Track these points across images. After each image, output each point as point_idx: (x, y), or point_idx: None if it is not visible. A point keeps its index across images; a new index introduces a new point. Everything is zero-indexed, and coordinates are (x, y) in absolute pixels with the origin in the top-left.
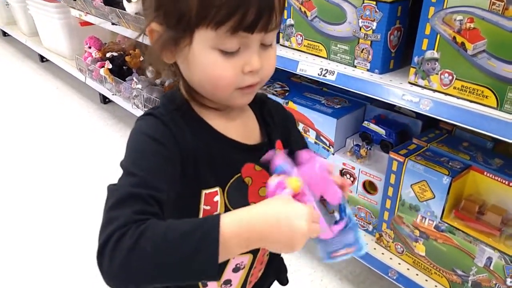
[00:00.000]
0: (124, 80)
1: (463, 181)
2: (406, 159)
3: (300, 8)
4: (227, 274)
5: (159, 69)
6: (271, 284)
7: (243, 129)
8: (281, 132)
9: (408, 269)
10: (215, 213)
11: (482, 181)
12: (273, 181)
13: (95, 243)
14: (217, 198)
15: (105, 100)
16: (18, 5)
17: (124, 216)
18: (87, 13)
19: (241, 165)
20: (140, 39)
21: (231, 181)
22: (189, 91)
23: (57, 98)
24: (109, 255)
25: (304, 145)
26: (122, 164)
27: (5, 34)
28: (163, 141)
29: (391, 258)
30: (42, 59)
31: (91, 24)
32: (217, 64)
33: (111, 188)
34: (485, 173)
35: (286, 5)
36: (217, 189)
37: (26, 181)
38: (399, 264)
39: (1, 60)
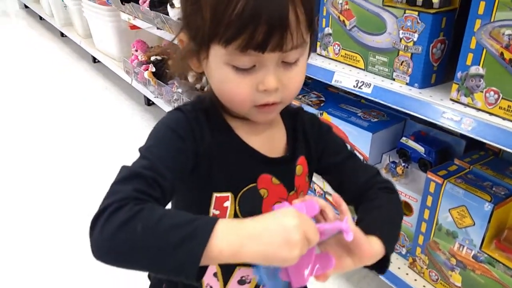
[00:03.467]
0: (166, 84)
1: (507, 209)
2: (445, 181)
3: (338, 17)
4: (232, 285)
5: (185, 77)
6: None
7: (267, 140)
8: (313, 146)
9: None
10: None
11: None
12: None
13: None
14: (227, 203)
15: (148, 102)
16: (75, 7)
17: (125, 191)
18: (135, 17)
19: (257, 175)
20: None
21: (245, 189)
22: (219, 101)
23: (105, 98)
24: (101, 224)
25: (346, 156)
26: (140, 148)
27: (62, 34)
28: (181, 134)
29: (424, 286)
30: (95, 60)
31: (139, 28)
32: (230, 80)
33: (122, 168)
34: None
35: (314, 18)
36: (228, 194)
37: (70, 173)
38: None
39: (58, 59)
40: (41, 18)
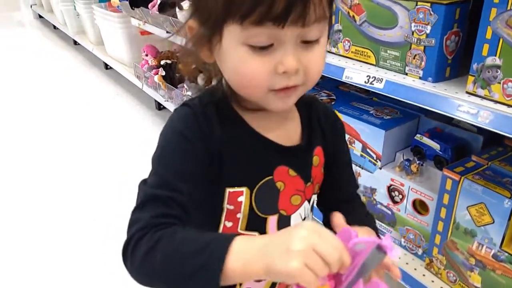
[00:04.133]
0: (176, 87)
1: None
2: (462, 177)
3: (348, 13)
4: (249, 282)
5: (208, 71)
6: None
7: (282, 130)
8: (328, 138)
9: None
10: (238, 214)
11: None
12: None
13: None
14: (242, 198)
15: (159, 106)
16: (87, 15)
17: (144, 219)
18: (145, 22)
19: (274, 167)
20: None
21: (261, 183)
22: (231, 89)
23: (116, 104)
24: (129, 256)
25: (346, 162)
26: (153, 159)
27: (75, 43)
28: (189, 137)
29: (441, 287)
30: (107, 66)
31: (150, 33)
32: (246, 60)
33: (140, 186)
34: None
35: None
36: (243, 189)
37: (81, 179)
38: None
39: (71, 67)
40: (55, 27)
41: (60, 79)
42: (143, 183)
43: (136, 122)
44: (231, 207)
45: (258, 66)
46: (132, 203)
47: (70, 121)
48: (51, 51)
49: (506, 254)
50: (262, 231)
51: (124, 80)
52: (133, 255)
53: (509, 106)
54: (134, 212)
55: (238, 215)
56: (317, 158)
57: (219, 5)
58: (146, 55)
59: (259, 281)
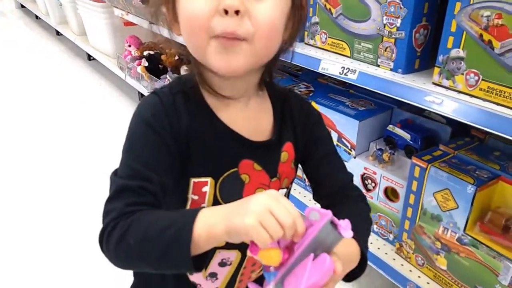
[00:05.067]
0: (159, 78)
1: (491, 191)
2: (429, 165)
3: (325, 6)
4: (213, 267)
5: (190, 63)
6: None
7: (252, 123)
8: (301, 132)
9: (428, 283)
10: (202, 204)
11: (511, 193)
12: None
13: None
14: (206, 188)
15: (142, 97)
16: (69, 5)
17: (117, 209)
18: (128, 12)
19: (239, 160)
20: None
21: (226, 174)
22: (199, 71)
23: (100, 95)
24: (105, 244)
25: (328, 152)
26: (123, 149)
27: (58, 33)
28: (157, 128)
29: (410, 270)
30: (90, 57)
31: (134, 24)
32: (192, 2)
33: (111, 178)
34: None
35: None
36: (208, 179)
37: (65, 169)
38: (419, 277)
39: (54, 58)
40: (37, 17)
41: (43, 70)
42: (114, 174)
43: (119, 113)
44: (196, 197)
45: (201, 5)
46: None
47: (53, 112)
48: (34, 41)
49: (469, 237)
50: None
51: (107, 71)
52: (108, 242)
53: (471, 96)
54: (108, 203)
55: (203, 205)
56: (286, 154)
57: None
58: (129, 46)
59: (223, 266)
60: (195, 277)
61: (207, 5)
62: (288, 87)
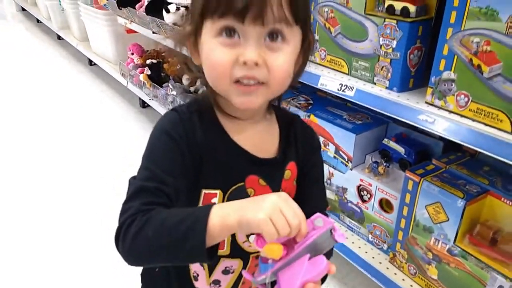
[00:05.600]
0: (161, 86)
1: (479, 205)
2: (422, 179)
3: (324, 24)
4: (217, 274)
5: (192, 72)
6: None
7: (258, 141)
8: (302, 155)
9: None
10: None
11: (499, 207)
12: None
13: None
14: (215, 200)
15: (143, 104)
16: (72, 10)
17: (135, 207)
18: (131, 21)
19: (246, 176)
20: (171, 45)
21: (233, 187)
22: (214, 97)
23: (101, 100)
24: (121, 239)
25: (317, 179)
26: (143, 156)
27: (59, 37)
28: (175, 137)
29: (403, 279)
30: (91, 62)
31: (136, 32)
32: (215, 50)
33: (130, 181)
34: (502, 199)
35: (306, 10)
36: (217, 191)
37: (65, 174)
38: (411, 286)
39: (54, 62)
40: (38, 21)
41: (43, 74)
42: (133, 178)
43: (121, 119)
44: None
45: (223, 56)
46: (113, 196)
47: (53, 116)
48: (34, 45)
49: (459, 249)
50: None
51: (108, 77)
52: (125, 237)
53: (461, 116)
54: (126, 202)
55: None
56: (289, 172)
57: (199, 6)
58: (132, 54)
59: (226, 273)
60: (199, 284)
61: (228, 56)
62: (295, 114)
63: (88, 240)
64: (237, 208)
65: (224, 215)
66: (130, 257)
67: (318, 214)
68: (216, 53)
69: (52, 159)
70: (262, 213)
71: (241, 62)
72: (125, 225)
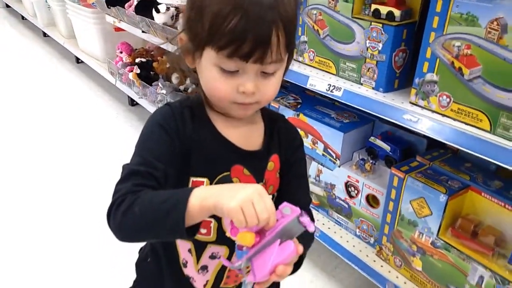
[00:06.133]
0: (151, 85)
1: (461, 200)
2: (407, 175)
3: (313, 27)
4: (204, 260)
5: (181, 69)
6: None
7: (245, 135)
8: (285, 150)
9: (405, 282)
10: None
11: (479, 201)
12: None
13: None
14: (202, 187)
15: (132, 102)
16: (59, 8)
17: (126, 187)
18: (120, 20)
19: (231, 165)
20: (164, 46)
21: (219, 176)
22: (205, 96)
23: (89, 98)
24: (112, 216)
25: (300, 175)
26: (136, 144)
27: (45, 35)
28: (166, 128)
29: (389, 271)
30: (78, 60)
31: (123, 30)
32: (216, 79)
33: (124, 166)
34: (482, 194)
35: (294, 41)
36: (204, 179)
37: (52, 174)
38: (397, 277)
39: (40, 59)
40: (23, 17)
41: (29, 71)
42: (127, 164)
43: (110, 116)
44: None
45: (224, 85)
46: (102, 195)
47: (39, 114)
48: (19, 42)
49: (442, 241)
50: (218, 217)
51: (97, 75)
52: (116, 214)
53: (443, 115)
54: (118, 183)
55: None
56: (272, 163)
57: (204, 33)
58: (121, 52)
59: (213, 259)
60: (189, 271)
61: (229, 86)
62: (281, 114)
63: (82, 238)
64: (216, 192)
65: (203, 198)
66: (120, 232)
67: (285, 203)
68: (218, 82)
69: (40, 158)
70: (235, 202)
71: (240, 91)
72: (116, 203)
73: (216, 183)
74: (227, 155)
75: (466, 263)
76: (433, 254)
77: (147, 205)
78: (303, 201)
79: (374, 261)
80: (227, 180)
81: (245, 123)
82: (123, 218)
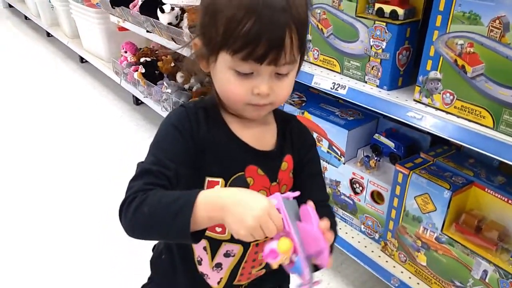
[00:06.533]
0: (156, 84)
1: (465, 196)
2: (411, 172)
3: (317, 25)
4: (219, 258)
5: (196, 73)
6: None
7: (258, 135)
8: (298, 150)
9: (410, 277)
10: None
11: (483, 197)
12: (267, 247)
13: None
14: (218, 187)
15: (137, 101)
16: (62, 8)
17: (138, 185)
18: (124, 20)
19: (246, 165)
20: (170, 46)
21: (234, 176)
22: (219, 98)
23: (94, 97)
24: (124, 213)
25: (315, 173)
26: (151, 143)
27: (49, 35)
28: (180, 129)
29: (394, 266)
30: (82, 60)
31: (127, 30)
32: (231, 81)
33: (138, 164)
34: (486, 189)
35: (306, 43)
36: (220, 179)
37: (57, 174)
38: (402, 272)
39: (44, 59)
40: (26, 17)
41: (34, 72)
42: (141, 162)
43: (115, 116)
44: None
45: (239, 87)
46: (107, 191)
47: (45, 114)
48: (23, 42)
49: (446, 237)
50: None
51: (101, 75)
52: (127, 211)
53: (447, 113)
54: (132, 181)
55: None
56: (286, 163)
57: (218, 37)
58: (125, 52)
59: (227, 256)
60: (203, 268)
61: (243, 88)
62: (292, 114)
63: (86, 238)
64: (222, 209)
65: (211, 216)
66: (130, 229)
67: (269, 197)
68: (233, 85)
69: (44, 157)
70: (243, 231)
71: (255, 93)
72: (128, 201)
73: (231, 183)
74: (241, 155)
75: (470, 257)
76: (438, 249)
77: (155, 205)
78: (320, 198)
79: (379, 256)
80: (242, 180)
81: (259, 124)
82: (133, 217)
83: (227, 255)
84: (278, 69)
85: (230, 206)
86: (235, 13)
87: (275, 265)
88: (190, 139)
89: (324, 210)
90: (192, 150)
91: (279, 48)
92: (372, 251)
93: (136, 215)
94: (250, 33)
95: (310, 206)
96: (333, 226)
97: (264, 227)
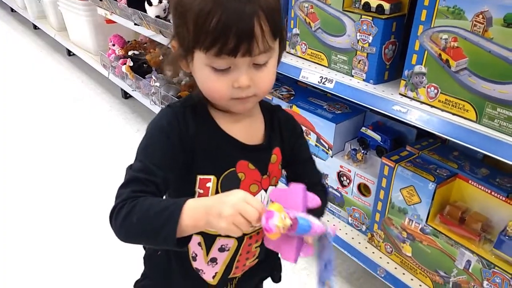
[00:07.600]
0: (144, 78)
1: (449, 188)
2: (397, 164)
3: (305, 19)
4: (213, 252)
5: (178, 72)
6: (263, 279)
7: (246, 130)
8: (287, 141)
9: (395, 268)
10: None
11: (466, 188)
12: (263, 220)
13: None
14: (209, 184)
15: (126, 95)
16: (49, 0)
17: (126, 193)
18: (112, 12)
19: (237, 161)
20: (157, 39)
21: (226, 173)
22: (207, 99)
23: (82, 91)
24: (114, 220)
25: (307, 158)
26: (138, 148)
27: (35, 27)
28: (169, 133)
29: (380, 257)
30: (69, 53)
31: (114, 22)
32: (210, 78)
33: (127, 170)
34: (469, 181)
35: (281, 29)
36: (211, 177)
37: (45, 168)
38: (388, 263)
39: (31, 52)
40: (12, 10)
41: (20, 65)
42: (129, 167)
43: (103, 109)
44: (201, 191)
45: (219, 84)
46: (96, 189)
47: (34, 108)
48: (9, 35)
49: (431, 228)
50: None
51: (89, 68)
52: (116, 219)
53: (431, 106)
54: (120, 188)
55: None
56: (275, 156)
57: (190, 36)
58: (113, 45)
59: (222, 251)
60: (198, 264)
61: (223, 83)
62: (277, 104)
63: (82, 235)
64: (204, 212)
65: (195, 219)
66: (120, 235)
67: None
68: (212, 82)
69: (30, 152)
70: (223, 223)
71: (236, 87)
72: (117, 209)
73: (222, 180)
74: (232, 151)
75: (454, 248)
76: (422, 240)
77: (142, 215)
78: (315, 180)
79: (366, 248)
80: (233, 176)
81: (246, 117)
82: (122, 224)
83: (221, 249)
84: (254, 59)
85: (210, 207)
86: (201, 8)
87: (276, 233)
88: (178, 141)
89: (318, 188)
90: (181, 153)
91: (249, 38)
92: (359, 243)
93: (125, 223)
94: (218, 27)
95: (298, 185)
96: (323, 202)
97: (243, 212)
